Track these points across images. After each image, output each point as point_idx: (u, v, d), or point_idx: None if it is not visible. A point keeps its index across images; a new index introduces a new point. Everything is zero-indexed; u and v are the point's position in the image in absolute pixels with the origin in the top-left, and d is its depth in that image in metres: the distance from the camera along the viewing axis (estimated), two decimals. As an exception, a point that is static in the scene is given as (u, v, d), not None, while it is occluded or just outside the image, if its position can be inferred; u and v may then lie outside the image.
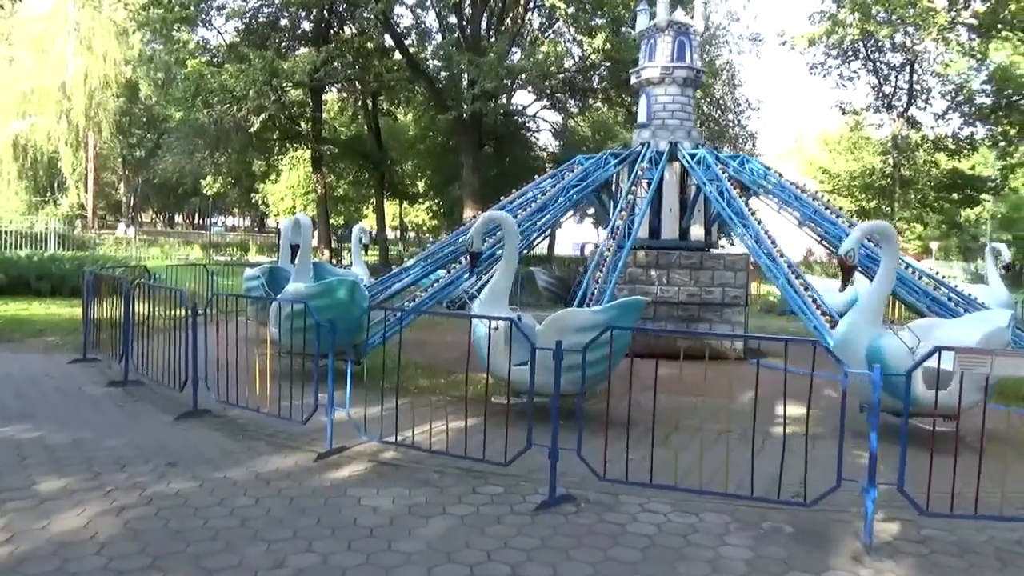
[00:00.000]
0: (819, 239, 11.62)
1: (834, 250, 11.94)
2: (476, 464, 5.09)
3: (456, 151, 32.24)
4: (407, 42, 27.82)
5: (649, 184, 11.27)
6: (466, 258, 11.38)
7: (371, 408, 6.10)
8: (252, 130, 25.25)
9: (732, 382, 6.96)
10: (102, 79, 39.84)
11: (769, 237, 9.91)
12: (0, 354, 9.47)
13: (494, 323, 6.34)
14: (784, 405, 4.61)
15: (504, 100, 31.08)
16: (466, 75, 26.39)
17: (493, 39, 26.94)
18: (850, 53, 33.90)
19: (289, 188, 44.32)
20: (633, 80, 12.67)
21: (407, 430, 5.52)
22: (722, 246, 16.80)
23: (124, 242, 32.60)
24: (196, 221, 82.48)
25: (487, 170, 30.48)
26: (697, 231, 12.17)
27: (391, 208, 44.94)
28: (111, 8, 35.78)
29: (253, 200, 47.75)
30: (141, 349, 7.79)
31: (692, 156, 11.58)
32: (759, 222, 10.14)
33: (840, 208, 16.62)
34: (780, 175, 12.05)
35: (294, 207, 42.55)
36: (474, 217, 11.53)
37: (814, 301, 8.75)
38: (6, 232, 27.56)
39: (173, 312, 7.85)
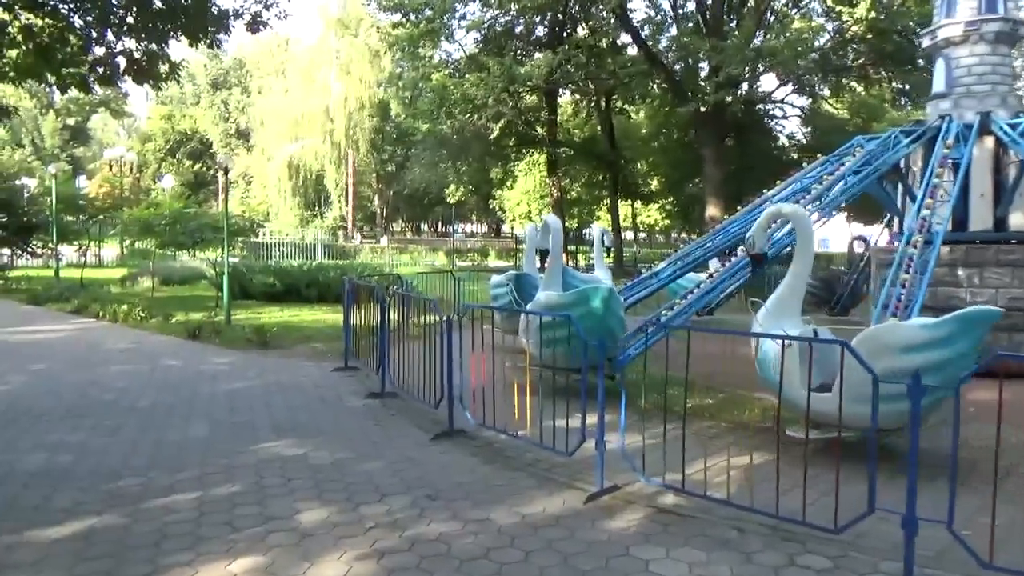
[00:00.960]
0: None
1: None
2: (784, 522, 4.02)
3: (694, 146, 30.72)
4: (642, 35, 26.87)
5: (956, 165, 9.30)
6: (723, 261, 10.22)
7: (635, 435, 5.26)
8: (492, 137, 25.80)
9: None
10: (359, 100, 43.50)
11: None
12: (274, 360, 9.99)
13: (783, 339, 5.23)
14: None
15: (745, 87, 28.97)
16: (706, 64, 24.88)
17: (734, 23, 25.11)
18: None
19: (524, 194, 45.27)
20: (926, 42, 10.65)
21: (687, 467, 4.59)
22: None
23: (378, 250, 35.13)
24: (439, 229, 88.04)
25: (727, 164, 28.58)
26: (1020, 220, 9.88)
27: (623, 209, 44.20)
28: (366, 33, 38.86)
29: (491, 207, 49.47)
30: (396, 359, 7.65)
31: (1013, 127, 9.39)
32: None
33: None
34: None
35: (529, 212, 43.35)
36: (752, 212, 10.26)
37: None
38: (283, 243, 30.78)
39: (425, 320, 7.65)
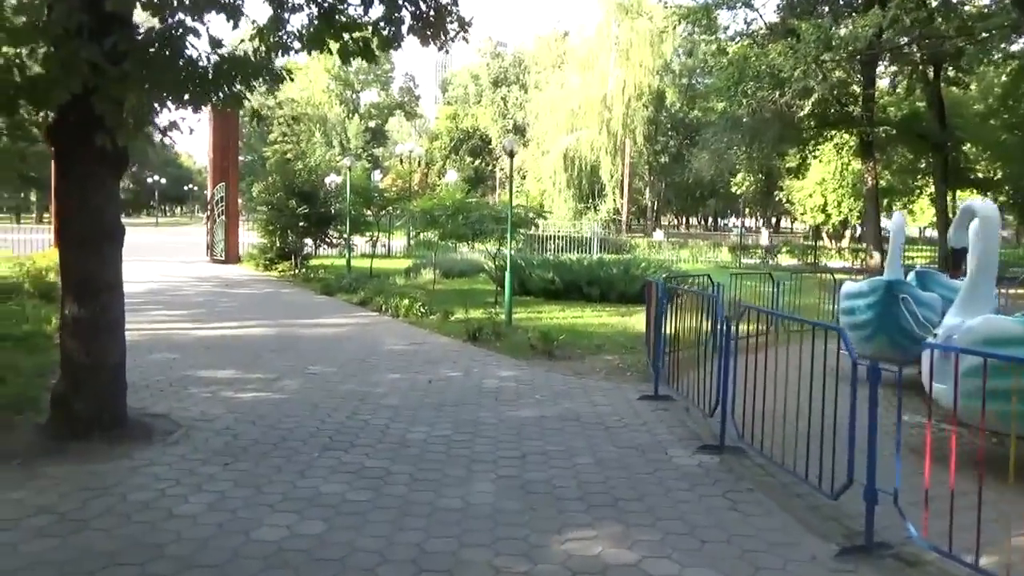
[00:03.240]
0: None
1: None
2: None
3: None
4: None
5: None
6: None
7: None
8: (801, 115, 22.16)
9: None
10: (637, 87, 41.60)
11: None
12: (564, 376, 8.22)
13: None
14: None
15: None
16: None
17: None
18: None
19: (817, 184, 40.02)
20: None
21: None
22: None
23: (655, 245, 32.87)
24: (709, 223, 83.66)
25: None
26: None
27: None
28: (647, 15, 36.70)
29: (777, 198, 44.71)
30: (739, 400, 5.43)
31: None
32: None
33: None
34: None
35: (825, 204, 38.22)
36: None
37: None
38: (558, 236, 29.81)
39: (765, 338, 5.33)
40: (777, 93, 21.64)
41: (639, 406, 6.95)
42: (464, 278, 19.64)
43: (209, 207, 24.46)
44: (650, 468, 5.13)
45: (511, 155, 12.08)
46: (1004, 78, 33.43)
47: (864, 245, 29.76)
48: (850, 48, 19.85)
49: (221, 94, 5.69)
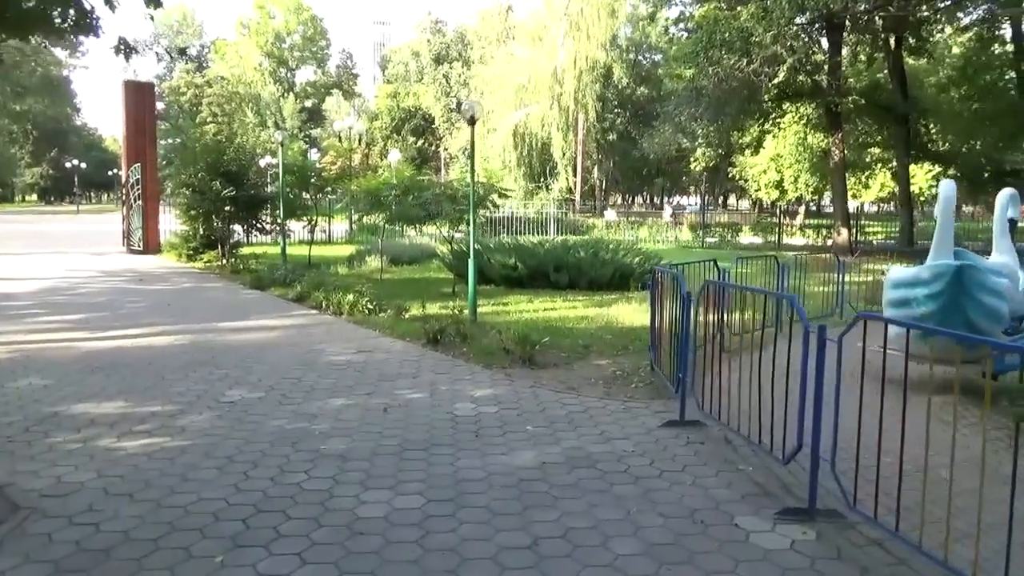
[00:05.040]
0: None
1: None
2: None
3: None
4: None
5: None
6: None
7: None
8: (771, 83, 20.77)
9: None
10: (589, 60, 39.91)
11: None
12: (554, 393, 6.51)
13: None
14: None
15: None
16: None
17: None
18: None
19: (772, 160, 39.07)
20: None
21: None
22: None
23: (613, 225, 31.35)
24: (654, 202, 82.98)
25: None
26: None
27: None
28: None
29: (728, 175, 43.73)
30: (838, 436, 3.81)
31: None
32: None
33: None
34: None
35: (781, 180, 37.38)
36: None
37: None
38: (512, 218, 27.99)
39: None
40: (745, 61, 20.21)
41: (665, 438, 5.29)
42: (414, 265, 17.77)
43: (123, 191, 21.90)
44: (727, 559, 3.46)
45: (471, 122, 10.24)
46: (956, 49, 32.94)
47: (832, 222, 28.80)
48: (823, 11, 18.50)
49: (66, 10, 3.75)
